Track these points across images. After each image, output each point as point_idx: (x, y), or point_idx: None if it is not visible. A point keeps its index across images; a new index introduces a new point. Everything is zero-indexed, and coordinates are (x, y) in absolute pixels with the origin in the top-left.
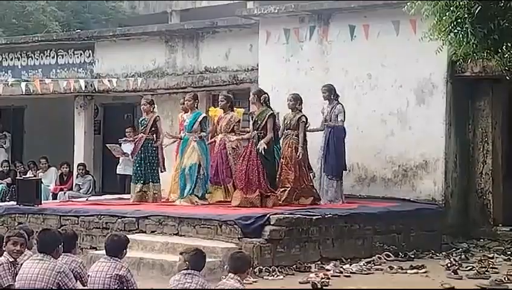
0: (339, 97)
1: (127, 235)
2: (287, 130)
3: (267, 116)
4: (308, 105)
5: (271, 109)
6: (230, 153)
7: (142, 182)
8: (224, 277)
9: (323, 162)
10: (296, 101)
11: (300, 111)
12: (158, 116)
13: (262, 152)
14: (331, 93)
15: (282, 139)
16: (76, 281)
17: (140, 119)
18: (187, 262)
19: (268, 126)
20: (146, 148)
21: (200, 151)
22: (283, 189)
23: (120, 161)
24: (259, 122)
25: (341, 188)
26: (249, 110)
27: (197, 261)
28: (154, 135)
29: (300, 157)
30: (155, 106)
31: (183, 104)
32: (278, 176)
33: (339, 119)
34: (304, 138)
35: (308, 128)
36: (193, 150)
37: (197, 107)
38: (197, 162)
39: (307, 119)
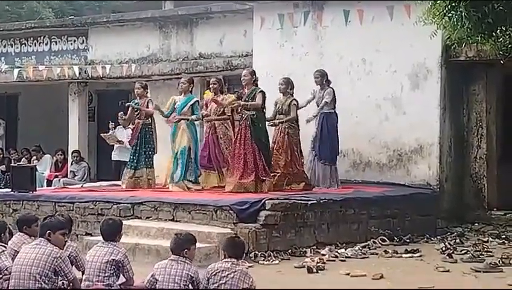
0: (331, 83)
1: (123, 221)
2: (279, 114)
3: (256, 92)
4: (303, 90)
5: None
6: (221, 137)
7: (134, 167)
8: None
9: (317, 148)
10: (288, 85)
11: (292, 95)
12: (151, 99)
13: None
14: (323, 78)
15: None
16: (72, 266)
17: (133, 102)
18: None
19: (257, 98)
20: (143, 133)
21: (190, 135)
22: (273, 174)
23: (115, 147)
24: (249, 101)
25: (336, 174)
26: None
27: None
28: (150, 119)
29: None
30: (148, 90)
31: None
32: None
33: (323, 100)
34: (295, 119)
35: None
36: (183, 133)
37: (191, 92)
38: (187, 145)
39: (298, 102)
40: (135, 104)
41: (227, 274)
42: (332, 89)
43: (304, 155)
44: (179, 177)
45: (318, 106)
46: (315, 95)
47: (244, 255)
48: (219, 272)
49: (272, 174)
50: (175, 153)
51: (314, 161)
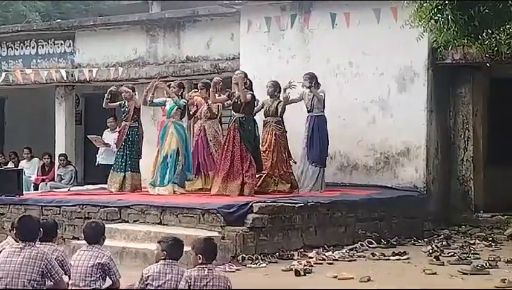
0: (320, 86)
1: (110, 225)
2: (266, 117)
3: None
4: (290, 94)
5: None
6: (210, 140)
7: (123, 170)
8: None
9: (307, 150)
10: (276, 88)
11: (279, 98)
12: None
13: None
14: (312, 80)
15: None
16: None
17: (120, 103)
18: (164, 252)
19: (250, 103)
20: (129, 136)
21: (179, 138)
22: (259, 175)
23: (101, 150)
24: (239, 103)
25: (323, 177)
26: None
27: (174, 251)
28: (137, 122)
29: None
30: (136, 92)
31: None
32: None
33: (316, 99)
34: (282, 120)
35: (289, 99)
36: (172, 136)
37: (181, 96)
38: (176, 148)
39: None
40: (122, 105)
41: (207, 282)
42: (324, 92)
43: (295, 157)
44: (168, 179)
45: (307, 108)
46: (303, 97)
47: (232, 258)
48: (197, 281)
49: (257, 175)
50: (163, 156)
51: (305, 162)
